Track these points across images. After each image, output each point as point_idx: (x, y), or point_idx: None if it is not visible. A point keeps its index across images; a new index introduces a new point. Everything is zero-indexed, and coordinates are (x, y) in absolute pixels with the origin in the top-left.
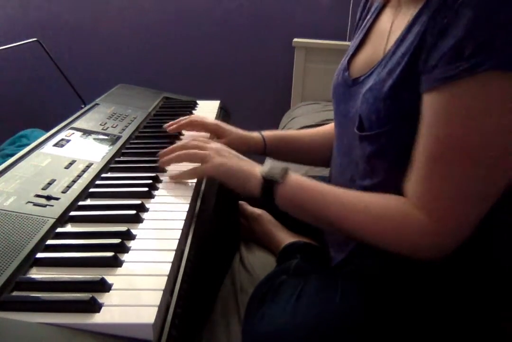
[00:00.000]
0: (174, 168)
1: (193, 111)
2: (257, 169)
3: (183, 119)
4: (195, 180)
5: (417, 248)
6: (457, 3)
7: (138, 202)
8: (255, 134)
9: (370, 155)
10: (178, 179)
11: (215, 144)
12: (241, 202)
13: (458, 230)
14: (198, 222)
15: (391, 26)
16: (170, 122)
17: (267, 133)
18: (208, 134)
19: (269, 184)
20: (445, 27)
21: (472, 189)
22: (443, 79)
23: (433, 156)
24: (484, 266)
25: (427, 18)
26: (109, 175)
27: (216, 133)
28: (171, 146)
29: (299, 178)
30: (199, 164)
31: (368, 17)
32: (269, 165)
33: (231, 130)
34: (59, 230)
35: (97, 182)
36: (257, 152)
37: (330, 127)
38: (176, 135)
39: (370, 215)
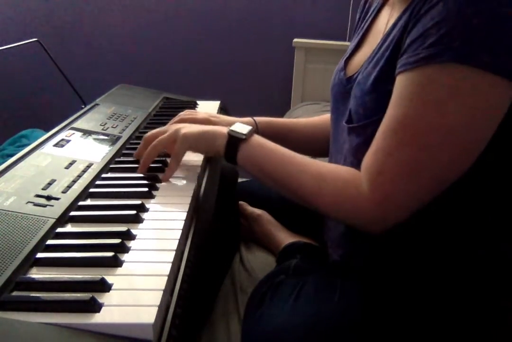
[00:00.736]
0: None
1: None
2: (224, 128)
3: (174, 119)
4: (196, 175)
5: (353, 217)
6: None
7: (138, 202)
8: (246, 119)
9: (356, 147)
10: (172, 173)
11: (173, 125)
12: (241, 202)
13: (397, 205)
14: (198, 222)
15: (386, 25)
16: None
17: (260, 119)
18: None
19: (234, 140)
20: (419, 18)
21: (415, 170)
22: (406, 64)
23: (386, 133)
24: (483, 259)
25: (409, 13)
26: (109, 175)
27: None
28: (137, 151)
29: (262, 139)
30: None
31: (367, 18)
32: (237, 125)
33: (222, 121)
34: (59, 230)
35: (97, 182)
36: None
37: (325, 118)
38: None
39: (317, 178)
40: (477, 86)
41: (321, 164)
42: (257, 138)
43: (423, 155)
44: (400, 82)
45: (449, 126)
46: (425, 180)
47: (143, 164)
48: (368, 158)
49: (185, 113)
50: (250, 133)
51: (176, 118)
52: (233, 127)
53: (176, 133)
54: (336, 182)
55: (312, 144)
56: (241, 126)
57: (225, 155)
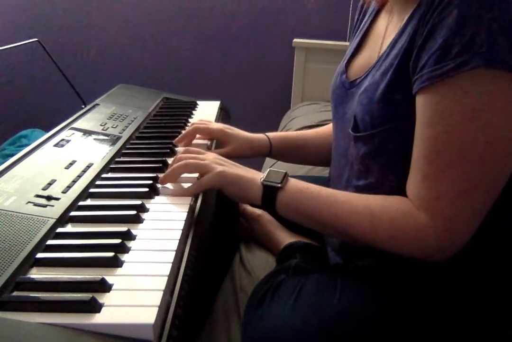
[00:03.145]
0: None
1: (193, 112)
2: (257, 176)
3: (188, 129)
4: (196, 175)
5: (417, 248)
6: (443, 3)
7: (138, 202)
8: (260, 136)
9: (364, 155)
10: (183, 196)
11: (211, 155)
12: None
13: (463, 227)
14: (198, 222)
15: (386, 29)
16: (178, 138)
17: (272, 135)
18: (207, 142)
19: (270, 190)
20: (432, 28)
21: (471, 186)
22: (432, 78)
23: (429, 157)
24: (490, 266)
25: (417, 21)
26: (109, 175)
27: (221, 140)
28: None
29: (298, 183)
30: (196, 175)
31: (365, 20)
32: (269, 172)
33: (237, 134)
34: (59, 230)
35: (97, 182)
36: (263, 154)
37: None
38: (176, 136)
39: (369, 215)
40: (511, 89)
41: (367, 199)
42: (293, 183)
43: (476, 169)
44: (428, 99)
45: (493, 133)
46: (483, 192)
47: (169, 178)
48: (416, 187)
49: (200, 122)
50: (285, 179)
51: (190, 128)
52: (266, 177)
53: (212, 168)
54: (390, 215)
55: (325, 154)
56: (273, 173)
57: (263, 205)
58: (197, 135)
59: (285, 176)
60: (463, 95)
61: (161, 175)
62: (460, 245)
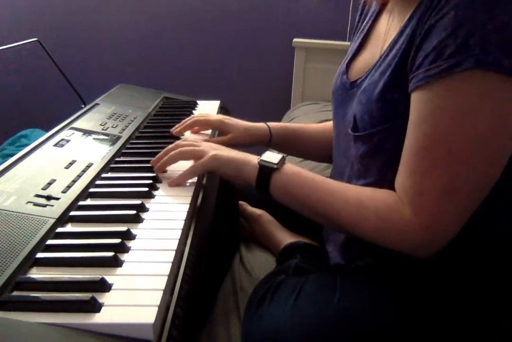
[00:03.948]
0: (170, 174)
1: (193, 111)
2: (253, 158)
3: (188, 120)
4: (195, 179)
5: (399, 241)
6: (441, 4)
7: (138, 202)
8: (260, 125)
9: (363, 155)
10: (179, 183)
11: (206, 143)
12: (241, 202)
13: (446, 224)
14: (198, 222)
15: (387, 30)
16: (176, 126)
17: (273, 124)
18: (208, 135)
19: (266, 170)
20: (429, 28)
21: (456, 185)
22: (426, 78)
23: (418, 153)
24: (486, 264)
25: (416, 21)
26: (109, 175)
27: (221, 130)
28: (163, 151)
29: (294, 167)
30: (192, 164)
31: (366, 20)
32: (267, 153)
33: (236, 124)
34: (59, 230)
35: (97, 182)
36: (262, 143)
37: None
38: (176, 136)
39: (357, 205)
40: (502, 91)
41: (358, 190)
42: (289, 166)
43: (462, 168)
44: (422, 97)
45: (482, 134)
46: (469, 192)
47: (163, 165)
48: (403, 181)
49: (199, 114)
50: (282, 162)
51: (189, 120)
52: (263, 157)
53: (206, 152)
54: (377, 207)
55: (324, 149)
56: (271, 155)
57: (257, 186)
58: (196, 128)
59: (283, 158)
60: (454, 95)
61: (161, 175)
62: (444, 241)
